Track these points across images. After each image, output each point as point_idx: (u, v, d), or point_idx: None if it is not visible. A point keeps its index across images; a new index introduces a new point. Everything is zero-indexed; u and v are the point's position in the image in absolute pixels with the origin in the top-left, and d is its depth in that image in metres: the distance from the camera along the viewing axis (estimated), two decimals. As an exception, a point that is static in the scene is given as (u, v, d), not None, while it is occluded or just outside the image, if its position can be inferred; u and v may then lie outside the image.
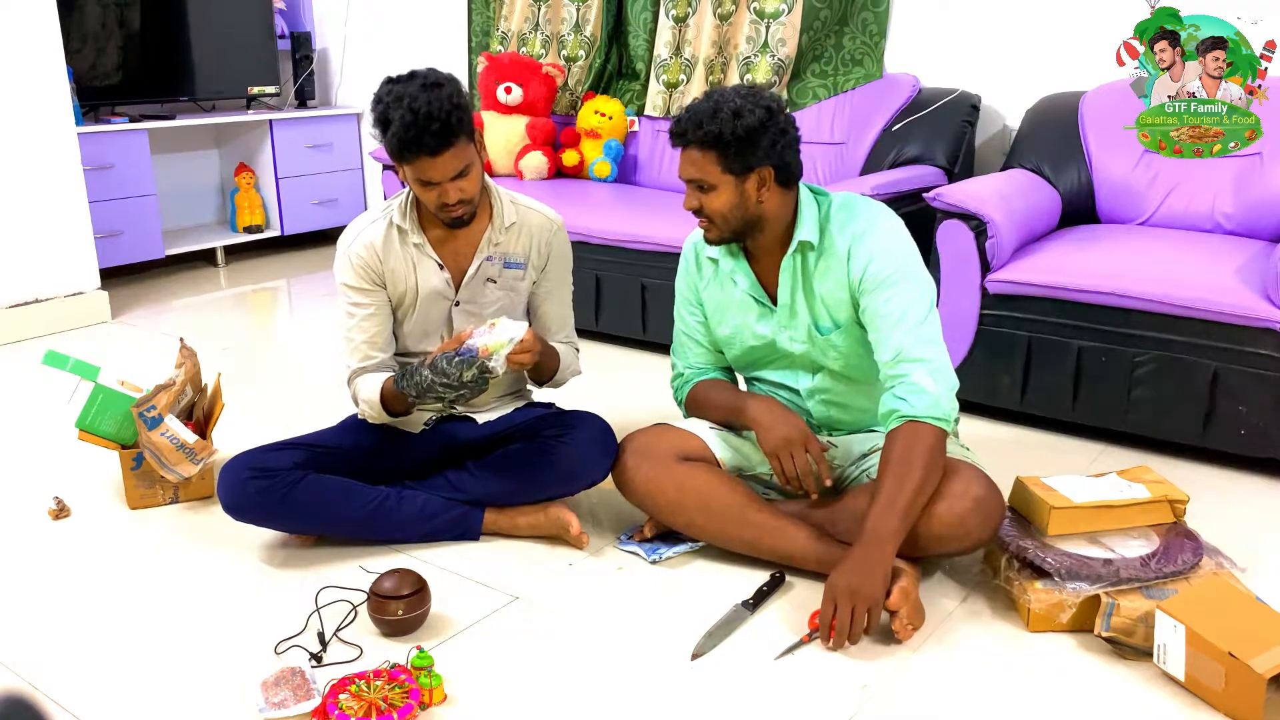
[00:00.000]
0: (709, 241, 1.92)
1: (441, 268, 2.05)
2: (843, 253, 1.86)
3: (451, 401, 1.91)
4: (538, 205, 2.14)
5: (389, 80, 1.88)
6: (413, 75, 1.87)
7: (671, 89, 3.81)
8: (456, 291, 2.07)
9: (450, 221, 1.96)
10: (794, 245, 1.89)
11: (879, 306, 1.83)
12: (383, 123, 1.85)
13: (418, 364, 1.91)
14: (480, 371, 1.84)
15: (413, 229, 2.03)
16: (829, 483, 1.88)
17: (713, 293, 2.03)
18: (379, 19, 4.79)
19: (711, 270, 2.02)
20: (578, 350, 2.24)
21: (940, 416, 1.76)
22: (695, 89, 3.75)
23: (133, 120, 4.20)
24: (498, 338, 1.86)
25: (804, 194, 1.91)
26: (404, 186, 2.04)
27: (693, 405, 2.09)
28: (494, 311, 2.10)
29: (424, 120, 1.80)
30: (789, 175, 1.85)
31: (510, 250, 2.09)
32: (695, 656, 1.70)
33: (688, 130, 1.81)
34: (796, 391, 2.02)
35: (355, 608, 1.83)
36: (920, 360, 1.79)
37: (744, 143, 1.78)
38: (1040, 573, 1.76)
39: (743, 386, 2.15)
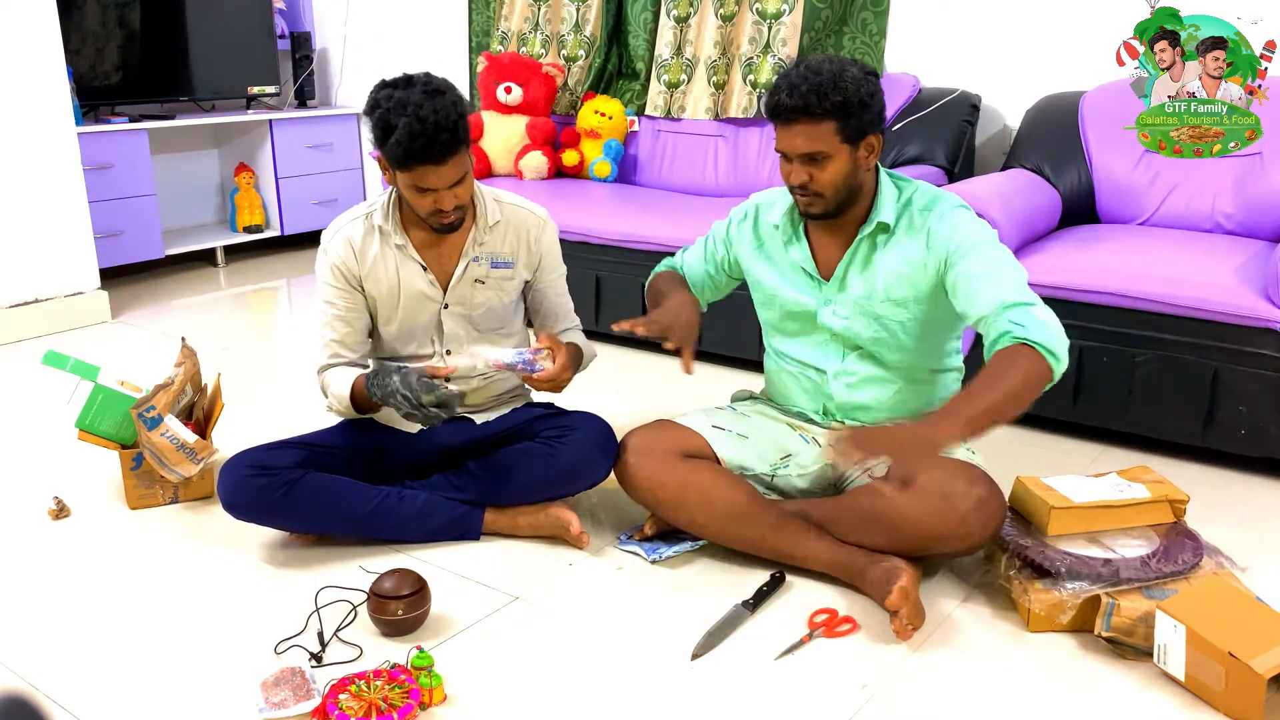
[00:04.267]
0: (813, 215, 1.89)
1: (425, 270, 2.04)
2: (921, 231, 1.86)
3: (406, 416, 1.88)
4: (522, 202, 2.13)
5: (384, 85, 1.84)
6: (410, 80, 1.82)
7: (672, 89, 3.81)
8: (444, 294, 2.07)
9: (441, 228, 1.95)
10: (872, 225, 1.89)
11: (970, 268, 1.79)
12: (384, 128, 1.80)
13: (394, 368, 1.91)
14: (438, 400, 1.85)
15: (395, 230, 2.02)
16: (689, 369, 1.88)
17: (766, 251, 2.04)
18: (379, 19, 4.79)
19: (766, 234, 2.04)
20: (582, 330, 2.26)
21: (1054, 351, 1.67)
22: (696, 89, 3.75)
23: (132, 120, 4.19)
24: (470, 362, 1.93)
25: (883, 175, 1.92)
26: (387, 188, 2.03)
27: (655, 281, 2.17)
28: (483, 313, 2.10)
29: (432, 130, 1.76)
30: (883, 145, 1.88)
31: (496, 250, 2.08)
32: (695, 657, 1.70)
33: (810, 102, 1.76)
34: (823, 372, 2.01)
35: (355, 608, 1.83)
36: (1031, 304, 1.72)
37: (864, 108, 1.78)
38: (1040, 572, 1.76)
39: (755, 384, 2.15)
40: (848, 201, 1.87)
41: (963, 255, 1.81)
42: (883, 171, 1.93)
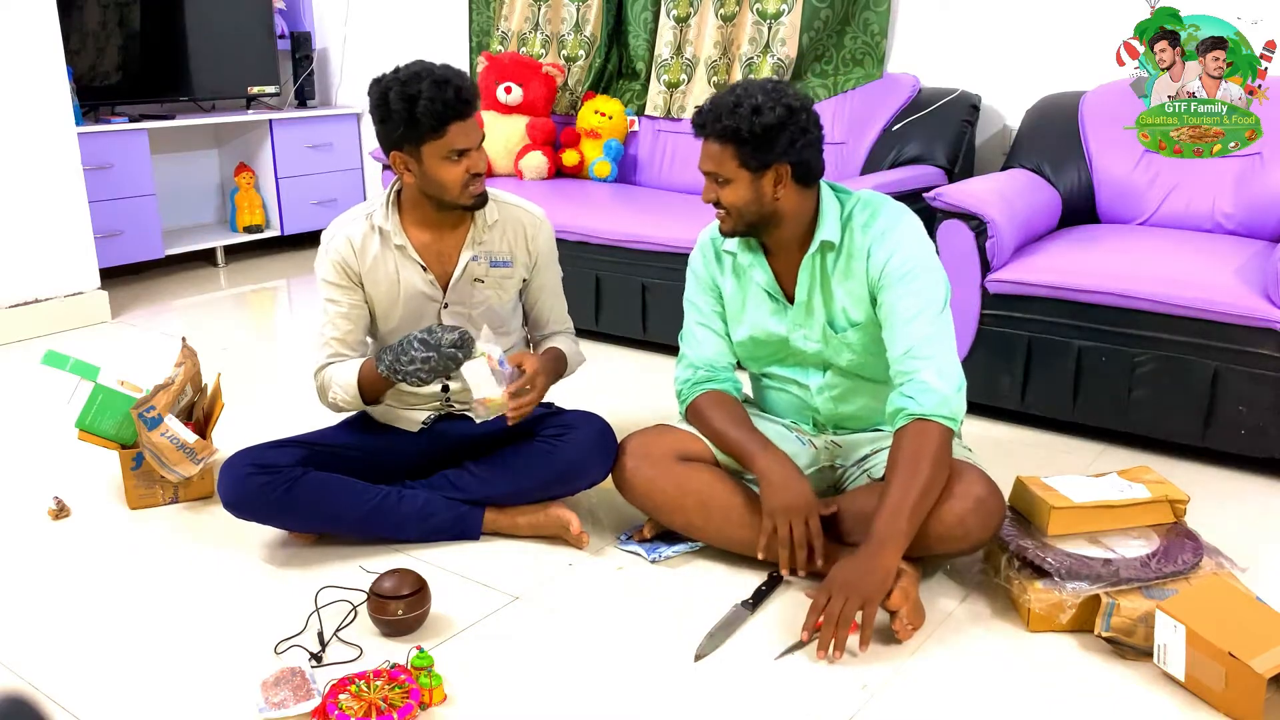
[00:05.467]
0: (723, 233, 1.91)
1: (425, 270, 2.05)
2: (863, 250, 1.86)
3: (415, 368, 1.88)
4: (519, 201, 2.14)
5: (381, 78, 1.90)
6: (400, 66, 1.90)
7: (672, 89, 3.81)
8: (444, 293, 2.07)
9: (474, 203, 1.97)
10: (815, 245, 1.88)
11: (894, 302, 1.83)
12: (407, 100, 1.85)
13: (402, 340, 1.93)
14: (456, 340, 1.88)
15: (395, 231, 2.03)
16: (820, 563, 1.82)
17: (729, 286, 2.02)
18: (379, 19, 4.79)
19: (730, 263, 2.01)
20: (574, 337, 2.26)
21: (947, 415, 1.76)
22: (697, 89, 3.75)
23: (133, 120, 4.20)
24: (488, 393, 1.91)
25: (825, 192, 1.90)
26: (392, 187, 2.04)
27: (695, 416, 2.01)
28: (482, 312, 2.10)
29: (456, 83, 1.86)
30: (808, 174, 1.84)
31: (495, 249, 2.09)
32: (698, 658, 1.70)
33: (708, 122, 1.80)
34: (806, 388, 2.01)
35: (355, 608, 1.83)
36: (929, 358, 1.78)
37: (761, 140, 1.77)
38: (1040, 572, 1.76)
39: (748, 386, 2.15)
40: (760, 224, 1.86)
41: (888, 286, 1.83)
42: (824, 187, 1.91)
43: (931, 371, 1.78)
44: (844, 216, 1.89)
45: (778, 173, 1.81)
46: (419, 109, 1.84)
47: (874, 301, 1.88)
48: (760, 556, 1.86)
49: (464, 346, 1.89)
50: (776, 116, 1.76)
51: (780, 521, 1.81)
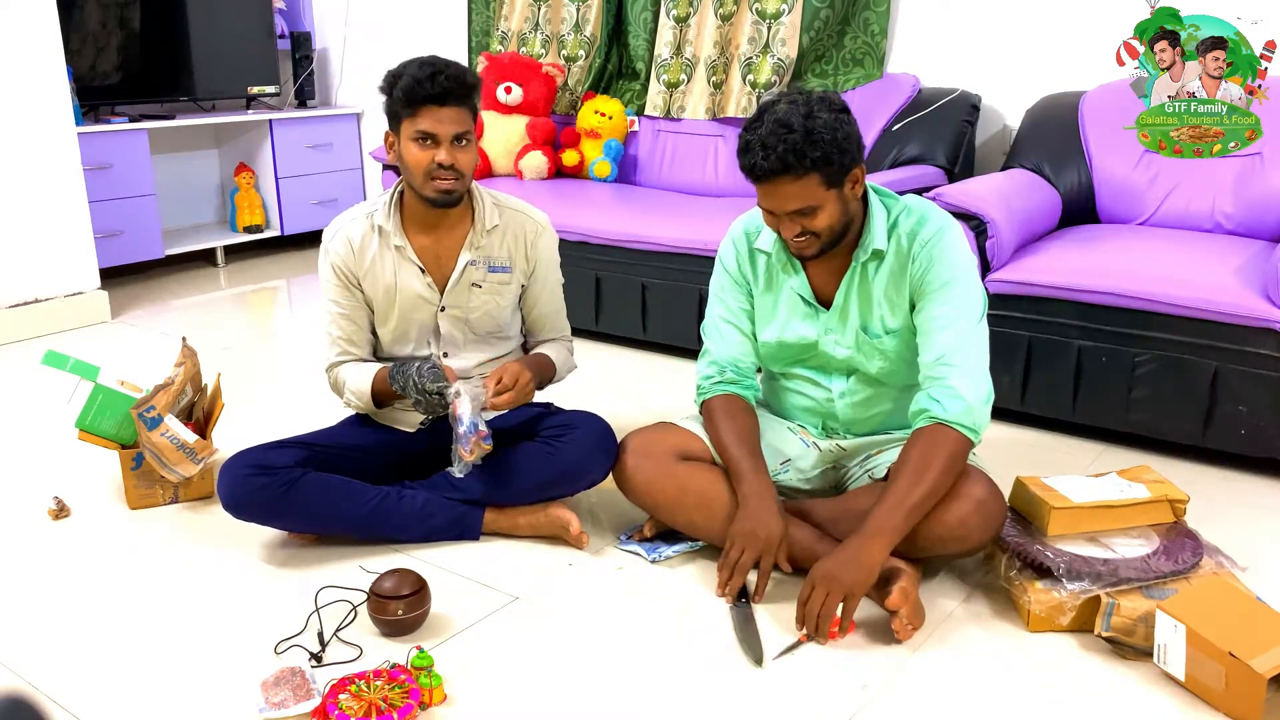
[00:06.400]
0: (807, 256, 1.85)
1: (423, 272, 2.05)
2: (906, 256, 1.85)
3: (414, 403, 1.96)
4: (522, 206, 2.13)
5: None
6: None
7: (672, 89, 3.81)
8: (441, 296, 2.07)
9: (438, 198, 1.95)
10: (867, 254, 1.86)
11: (933, 309, 1.82)
12: (393, 77, 1.91)
13: (414, 358, 1.97)
14: (440, 390, 1.92)
15: (395, 231, 2.03)
16: (759, 599, 1.83)
17: (760, 286, 1.99)
18: (379, 19, 4.79)
19: (764, 262, 1.98)
20: (570, 345, 2.25)
21: (969, 425, 1.76)
22: (696, 89, 3.75)
23: (132, 120, 4.20)
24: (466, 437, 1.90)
25: (872, 198, 1.88)
26: (397, 178, 2.05)
27: (707, 415, 2.00)
28: (480, 317, 2.10)
29: (440, 68, 1.88)
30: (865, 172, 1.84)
31: (494, 254, 2.08)
32: (759, 662, 1.68)
33: (789, 163, 1.69)
34: (828, 391, 2.00)
35: (355, 608, 1.83)
36: (960, 366, 1.78)
37: (844, 152, 1.73)
38: (1041, 573, 1.76)
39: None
40: (842, 235, 1.84)
41: (929, 293, 1.83)
42: (870, 190, 1.89)
43: (960, 378, 1.77)
44: (890, 223, 1.87)
45: (854, 176, 1.78)
46: (398, 85, 1.89)
47: (913, 308, 1.87)
48: (718, 573, 1.85)
49: (444, 395, 1.93)
50: (846, 123, 1.74)
51: (737, 544, 1.81)
